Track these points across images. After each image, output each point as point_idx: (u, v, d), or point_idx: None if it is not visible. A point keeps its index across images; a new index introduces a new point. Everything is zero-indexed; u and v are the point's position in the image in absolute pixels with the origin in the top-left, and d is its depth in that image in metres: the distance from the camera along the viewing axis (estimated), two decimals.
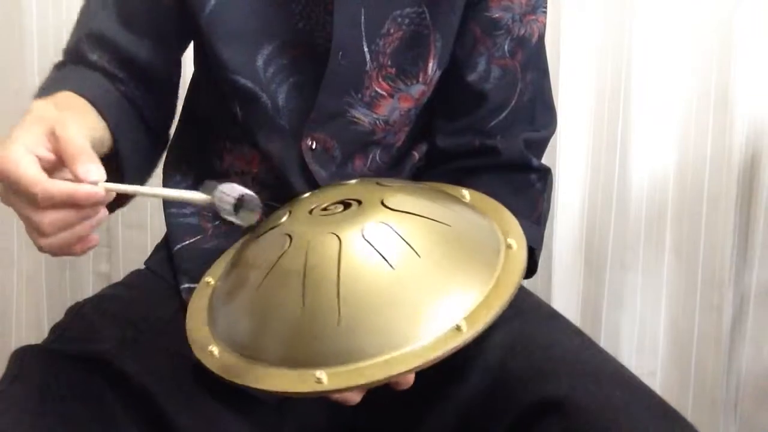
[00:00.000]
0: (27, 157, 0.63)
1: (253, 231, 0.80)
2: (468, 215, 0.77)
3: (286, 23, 0.83)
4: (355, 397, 0.70)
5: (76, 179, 0.63)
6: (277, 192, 0.88)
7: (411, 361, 0.64)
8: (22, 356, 0.77)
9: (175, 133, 0.96)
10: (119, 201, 0.77)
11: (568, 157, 1.33)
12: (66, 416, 0.72)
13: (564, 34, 1.28)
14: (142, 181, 0.88)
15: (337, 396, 0.69)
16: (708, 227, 1.32)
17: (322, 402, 0.72)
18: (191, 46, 0.92)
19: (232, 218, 0.65)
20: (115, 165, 0.79)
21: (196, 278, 0.84)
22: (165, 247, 0.93)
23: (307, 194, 0.80)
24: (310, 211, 0.74)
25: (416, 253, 0.68)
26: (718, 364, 1.34)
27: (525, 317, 0.80)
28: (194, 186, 0.90)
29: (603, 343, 1.35)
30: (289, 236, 0.71)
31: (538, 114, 0.90)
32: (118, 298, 0.87)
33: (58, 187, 0.63)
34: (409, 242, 0.68)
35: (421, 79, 0.85)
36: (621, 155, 1.32)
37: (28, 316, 1.47)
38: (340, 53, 0.82)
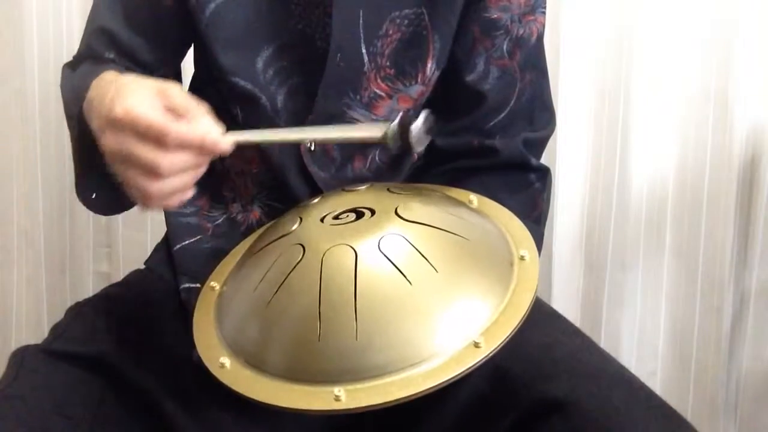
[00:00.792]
0: (154, 104, 0.66)
1: (259, 236, 0.79)
2: (480, 224, 0.76)
3: (285, 25, 0.83)
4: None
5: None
6: (277, 192, 0.88)
7: (431, 379, 0.63)
8: (22, 356, 0.77)
9: None
10: (123, 204, 0.78)
11: (568, 158, 1.33)
12: (66, 416, 0.72)
13: (564, 34, 1.28)
14: None
15: None
16: (708, 227, 1.32)
17: None
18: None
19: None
20: None
21: (196, 278, 0.84)
22: (165, 246, 0.93)
23: (316, 199, 0.78)
24: (322, 219, 0.72)
25: (433, 267, 0.67)
26: (718, 365, 1.34)
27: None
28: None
29: (603, 343, 1.35)
30: (302, 246, 0.69)
31: (537, 114, 0.90)
32: (118, 298, 0.88)
33: (192, 129, 0.65)
34: (426, 256, 0.67)
35: (419, 80, 0.85)
36: (621, 155, 1.32)
37: (28, 316, 1.47)
38: (339, 55, 0.82)
